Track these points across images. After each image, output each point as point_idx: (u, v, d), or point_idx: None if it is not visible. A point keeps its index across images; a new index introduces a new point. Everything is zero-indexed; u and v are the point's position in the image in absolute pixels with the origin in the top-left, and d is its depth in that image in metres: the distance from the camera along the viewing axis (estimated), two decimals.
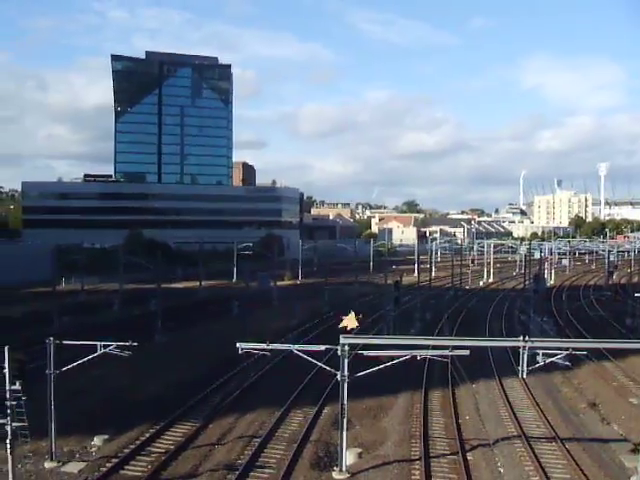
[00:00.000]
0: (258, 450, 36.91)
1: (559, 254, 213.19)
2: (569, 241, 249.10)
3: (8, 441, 29.22)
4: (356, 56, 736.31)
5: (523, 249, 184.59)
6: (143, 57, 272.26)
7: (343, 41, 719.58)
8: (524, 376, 35.12)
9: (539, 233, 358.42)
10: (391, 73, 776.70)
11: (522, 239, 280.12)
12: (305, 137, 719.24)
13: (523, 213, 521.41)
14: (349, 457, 35.06)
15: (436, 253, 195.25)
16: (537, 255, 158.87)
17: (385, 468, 34.37)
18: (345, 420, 34.35)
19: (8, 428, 29.04)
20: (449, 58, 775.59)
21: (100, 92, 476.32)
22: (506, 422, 43.64)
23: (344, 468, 33.91)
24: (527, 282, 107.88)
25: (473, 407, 47.80)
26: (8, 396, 28.90)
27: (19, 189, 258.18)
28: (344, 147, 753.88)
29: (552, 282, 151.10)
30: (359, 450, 37.07)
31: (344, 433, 34.16)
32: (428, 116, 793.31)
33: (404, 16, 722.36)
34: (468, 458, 36.35)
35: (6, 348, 29.53)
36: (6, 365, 29.33)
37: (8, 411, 28.82)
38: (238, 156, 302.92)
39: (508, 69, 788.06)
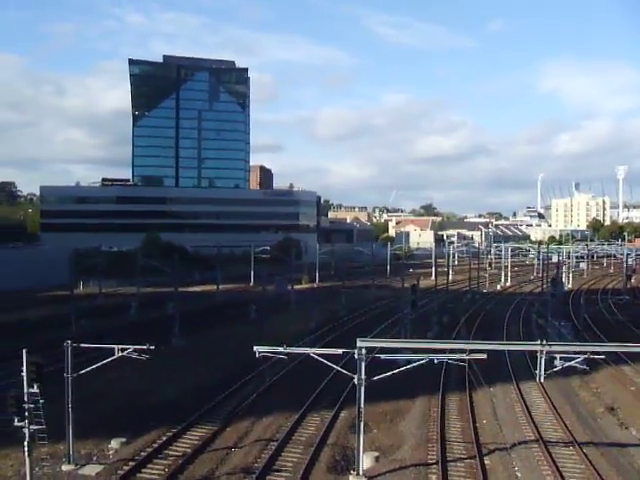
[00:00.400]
0: (275, 454, 36.90)
1: (577, 257, 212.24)
2: (587, 244, 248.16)
3: (26, 443, 29.35)
4: (373, 60, 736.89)
5: (540, 252, 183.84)
6: (161, 61, 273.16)
7: (360, 45, 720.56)
8: (542, 380, 35.04)
9: (557, 236, 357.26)
10: (408, 76, 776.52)
11: (540, 242, 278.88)
12: (322, 141, 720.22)
13: (541, 216, 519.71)
14: (366, 461, 35.01)
15: (453, 256, 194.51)
16: (555, 259, 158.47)
17: (402, 472, 34.32)
18: (362, 424, 34.27)
19: (26, 431, 29.16)
20: (466, 61, 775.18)
21: (117, 96, 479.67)
22: (523, 426, 43.46)
23: (361, 472, 33.85)
24: (545, 286, 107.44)
25: (490, 411, 47.64)
26: (26, 399, 29.01)
27: (37, 193, 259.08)
28: (361, 151, 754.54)
29: (570, 286, 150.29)
30: (376, 454, 37.02)
31: (361, 437, 34.08)
32: (445, 120, 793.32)
33: (421, 19, 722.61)
34: (485, 462, 36.22)
35: (24, 351, 29.65)
36: (24, 368, 29.46)
37: (26, 414, 28.93)
38: (255, 160, 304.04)
39: (525, 72, 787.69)
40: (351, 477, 33.80)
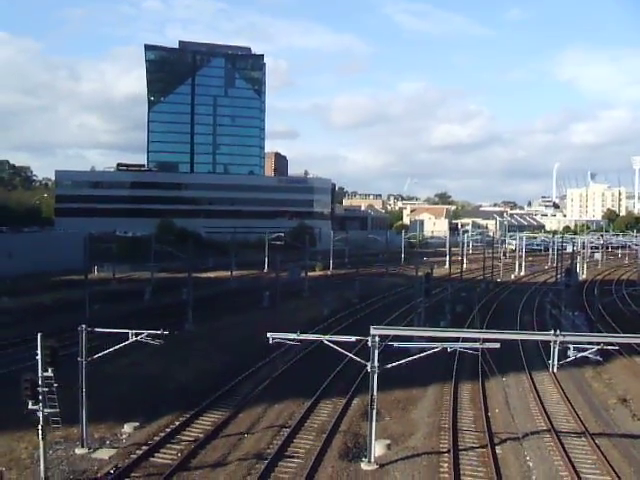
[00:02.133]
0: (287, 440, 37.05)
1: (591, 248, 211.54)
2: (602, 235, 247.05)
3: (40, 427, 29.52)
4: (390, 47, 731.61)
5: (555, 242, 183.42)
6: (176, 47, 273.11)
7: (377, 32, 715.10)
8: (555, 370, 35.05)
9: (572, 226, 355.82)
10: (425, 65, 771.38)
11: (554, 232, 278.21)
12: (337, 128, 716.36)
13: (556, 206, 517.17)
14: (378, 448, 35.08)
15: (468, 245, 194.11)
16: (569, 249, 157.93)
17: (414, 460, 34.36)
18: (374, 411, 34.36)
19: (40, 414, 29.32)
20: (484, 50, 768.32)
21: (132, 82, 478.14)
22: (536, 416, 43.47)
23: (373, 459, 33.94)
24: (559, 276, 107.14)
25: (503, 400, 47.63)
26: (40, 382, 29.16)
27: (52, 178, 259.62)
28: (376, 139, 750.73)
29: (584, 276, 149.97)
30: (388, 441, 37.07)
31: (373, 424, 34.16)
32: (461, 108, 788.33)
33: (439, 7, 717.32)
34: (497, 451, 36.24)
35: (39, 335, 29.79)
36: (39, 352, 29.60)
37: (40, 397, 29.08)
38: (270, 146, 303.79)
39: (542, 61, 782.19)
40: (363, 464, 33.85)
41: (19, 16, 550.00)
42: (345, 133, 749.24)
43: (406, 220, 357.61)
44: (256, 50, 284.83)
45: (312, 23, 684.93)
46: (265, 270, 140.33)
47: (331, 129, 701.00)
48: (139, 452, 34.61)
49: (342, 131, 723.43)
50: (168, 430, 38.20)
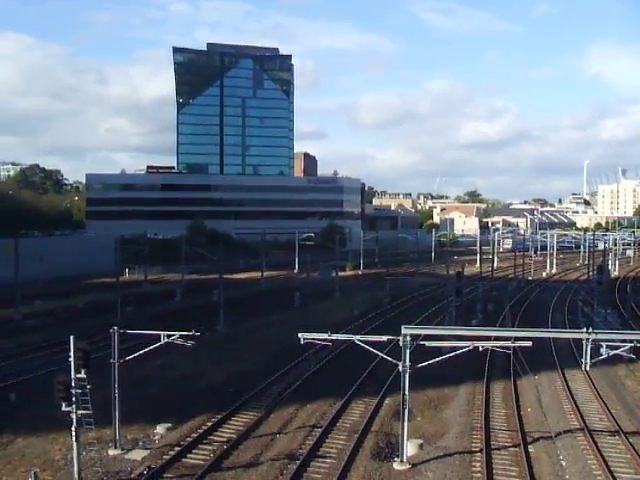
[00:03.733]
0: (319, 440, 37.02)
1: (623, 245, 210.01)
2: (633, 231, 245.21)
3: (73, 428, 29.68)
4: (416, 45, 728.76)
5: (587, 239, 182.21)
6: (204, 49, 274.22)
7: (403, 30, 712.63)
8: (587, 368, 34.70)
9: (603, 223, 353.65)
10: (452, 62, 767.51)
11: (586, 229, 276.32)
12: (365, 127, 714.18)
13: (587, 203, 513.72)
14: (410, 448, 35.00)
15: (498, 243, 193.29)
16: (601, 246, 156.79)
17: (446, 459, 34.25)
18: (406, 411, 34.28)
19: (73, 416, 29.49)
20: (511, 46, 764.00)
21: (160, 84, 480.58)
22: (569, 415, 43.11)
23: (405, 459, 33.87)
24: (591, 273, 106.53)
25: (535, 399, 47.33)
26: (74, 384, 29.32)
27: (83, 181, 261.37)
28: (404, 137, 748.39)
29: (616, 273, 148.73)
30: (420, 441, 36.97)
31: (405, 424, 34.08)
32: (488, 105, 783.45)
33: (466, 4, 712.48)
34: (530, 451, 36.03)
35: (71, 338, 29.96)
36: (72, 354, 29.78)
37: (74, 399, 29.25)
38: (298, 147, 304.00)
39: (570, 56, 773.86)
40: (395, 464, 33.78)
41: (46, 20, 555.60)
42: (373, 132, 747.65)
43: (436, 219, 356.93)
44: (283, 51, 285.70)
45: (338, 22, 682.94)
46: (296, 271, 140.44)
47: (358, 128, 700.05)
48: (172, 453, 34.73)
49: (370, 130, 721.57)
50: (200, 431, 38.29)
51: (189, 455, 34.81)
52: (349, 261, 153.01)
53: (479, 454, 35.19)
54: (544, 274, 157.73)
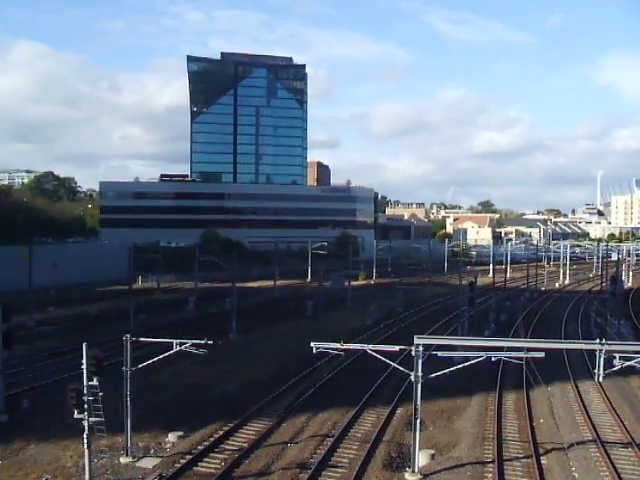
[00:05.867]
0: (331, 449, 36.95)
1: (637, 255, 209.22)
2: None
3: (85, 435, 29.73)
4: (430, 55, 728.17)
5: (600, 250, 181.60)
6: (219, 58, 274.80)
7: (418, 40, 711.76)
8: (600, 380, 34.56)
9: (617, 234, 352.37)
10: (465, 72, 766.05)
11: (599, 240, 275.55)
12: (377, 137, 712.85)
13: (600, 214, 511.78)
14: (422, 458, 34.91)
15: (512, 254, 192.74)
16: (614, 256, 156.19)
17: (458, 470, 34.16)
18: (418, 421, 34.17)
19: (85, 423, 29.52)
20: (525, 56, 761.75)
21: (173, 93, 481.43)
22: (581, 426, 42.95)
23: (417, 469, 33.77)
24: (604, 284, 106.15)
25: (548, 410, 47.16)
26: (86, 392, 29.37)
27: (96, 189, 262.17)
28: (417, 147, 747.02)
29: (630, 284, 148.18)
30: (432, 451, 36.89)
31: (417, 434, 33.99)
32: (501, 115, 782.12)
33: (480, 15, 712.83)
34: (542, 462, 35.86)
35: (84, 345, 30.02)
36: (84, 361, 29.83)
37: (86, 406, 29.29)
38: (311, 156, 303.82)
39: (584, 67, 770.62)
40: (407, 474, 33.71)
41: (61, 29, 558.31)
42: (386, 142, 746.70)
43: (449, 229, 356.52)
44: (297, 60, 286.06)
45: (352, 32, 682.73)
46: (308, 279, 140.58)
47: (371, 138, 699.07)
48: (183, 461, 34.71)
49: (383, 140, 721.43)
50: (212, 439, 38.28)
51: (200, 463, 34.79)
52: (362, 270, 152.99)
53: (491, 465, 35.06)
54: (557, 285, 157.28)
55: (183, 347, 36.16)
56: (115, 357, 43.49)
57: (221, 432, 39.59)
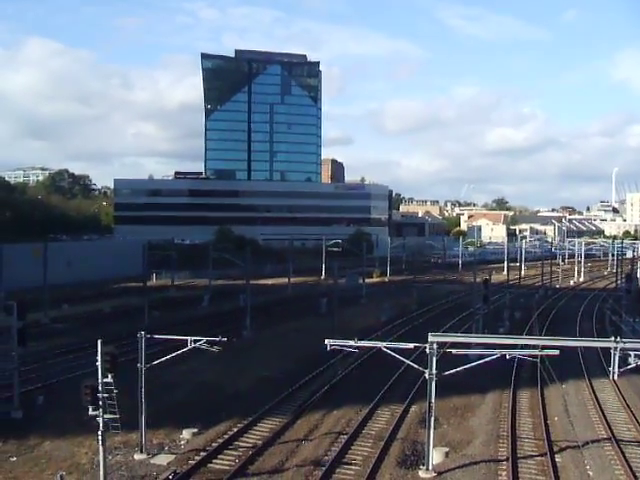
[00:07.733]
0: (345, 447, 36.91)
1: None
2: None
3: (100, 432, 29.73)
4: (444, 52, 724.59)
5: (615, 248, 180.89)
6: (233, 55, 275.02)
7: (430, 37, 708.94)
8: (615, 377, 34.38)
9: (632, 231, 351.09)
10: (479, 69, 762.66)
11: (614, 237, 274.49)
12: (391, 133, 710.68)
13: (615, 211, 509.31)
14: (436, 456, 34.82)
15: (526, 252, 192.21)
16: (629, 254, 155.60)
17: (472, 468, 34.03)
18: (432, 418, 34.10)
19: (100, 420, 29.54)
20: (539, 53, 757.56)
21: (186, 90, 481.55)
22: (596, 424, 42.74)
23: (431, 467, 33.69)
24: (619, 281, 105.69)
25: (562, 408, 46.94)
26: (100, 389, 29.40)
27: (111, 186, 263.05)
28: (430, 144, 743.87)
29: None
30: (446, 449, 36.77)
31: (431, 432, 33.92)
32: (515, 111, 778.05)
33: (494, 11, 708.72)
34: (556, 460, 35.70)
35: (98, 342, 30.05)
36: (99, 358, 29.86)
37: (100, 403, 29.32)
38: (325, 153, 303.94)
39: (598, 62, 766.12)
40: (421, 472, 33.63)
41: (75, 26, 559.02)
42: (399, 138, 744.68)
43: (464, 226, 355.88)
44: (310, 57, 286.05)
45: (365, 28, 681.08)
46: (322, 277, 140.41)
47: (385, 135, 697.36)
48: (197, 458, 34.75)
49: (396, 136, 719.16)
50: (226, 436, 38.30)
51: (215, 460, 34.81)
52: (376, 268, 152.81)
53: (505, 463, 34.92)
54: (572, 282, 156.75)
55: (197, 344, 36.21)
56: (129, 354, 43.63)
57: (235, 429, 39.61)
